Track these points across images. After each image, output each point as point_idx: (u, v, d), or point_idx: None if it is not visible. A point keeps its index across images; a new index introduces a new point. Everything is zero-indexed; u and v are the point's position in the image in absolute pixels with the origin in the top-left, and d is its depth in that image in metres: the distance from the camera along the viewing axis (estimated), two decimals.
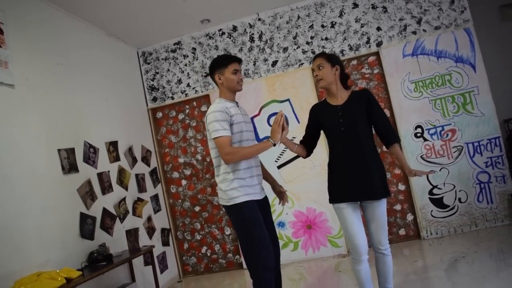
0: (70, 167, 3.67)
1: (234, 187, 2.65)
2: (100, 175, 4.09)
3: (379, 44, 4.91)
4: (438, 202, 4.71)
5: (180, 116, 5.51)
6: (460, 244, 4.28)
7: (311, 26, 5.08)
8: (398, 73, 4.82)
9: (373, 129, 2.74)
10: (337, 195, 2.68)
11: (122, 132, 4.72)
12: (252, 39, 5.25)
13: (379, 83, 4.94)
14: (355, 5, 4.96)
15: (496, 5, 5.30)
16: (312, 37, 5.08)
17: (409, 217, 4.84)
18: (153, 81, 5.56)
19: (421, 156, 4.74)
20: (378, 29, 4.91)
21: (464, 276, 3.42)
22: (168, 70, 5.50)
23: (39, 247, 3.12)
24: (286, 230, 5.07)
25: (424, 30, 4.79)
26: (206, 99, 5.41)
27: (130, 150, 4.78)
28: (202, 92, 5.39)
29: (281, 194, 3.02)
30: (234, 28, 5.30)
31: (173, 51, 5.49)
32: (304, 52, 5.09)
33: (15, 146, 3.12)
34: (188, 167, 5.46)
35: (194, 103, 5.47)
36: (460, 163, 4.66)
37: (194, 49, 5.43)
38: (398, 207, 4.86)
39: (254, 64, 5.23)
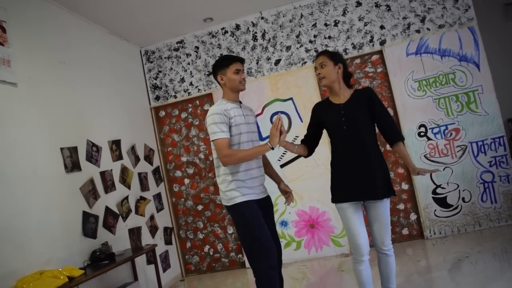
0: (72, 165, 3.67)
1: (232, 188, 2.69)
2: (103, 174, 4.09)
3: (382, 43, 4.88)
4: (441, 202, 4.69)
5: (183, 115, 5.50)
6: (464, 244, 4.26)
7: (314, 25, 5.07)
8: (401, 72, 4.80)
9: (376, 128, 2.72)
10: (339, 194, 2.67)
11: (125, 130, 4.72)
12: (255, 38, 5.24)
13: (382, 82, 4.92)
14: (359, 4, 4.94)
15: (500, 4, 5.27)
16: (315, 36, 5.06)
17: (413, 216, 4.82)
18: (156, 79, 5.56)
19: (424, 156, 4.72)
20: (382, 27, 4.89)
21: (467, 276, 3.40)
22: (171, 68, 5.50)
23: (42, 246, 3.13)
24: (289, 229, 5.06)
25: (428, 29, 4.77)
26: (209, 98, 5.40)
27: (133, 148, 4.79)
28: (205, 90, 5.39)
29: (286, 194, 3.01)
30: (237, 27, 5.29)
31: (176, 49, 5.49)
32: (307, 50, 5.08)
33: (18, 144, 3.12)
34: (191, 165, 5.45)
35: (197, 101, 5.46)
36: (464, 162, 4.64)
37: (197, 47, 5.42)
38: (401, 206, 4.84)
39: (257, 63, 5.22)
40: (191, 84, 5.43)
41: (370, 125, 2.65)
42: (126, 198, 4.41)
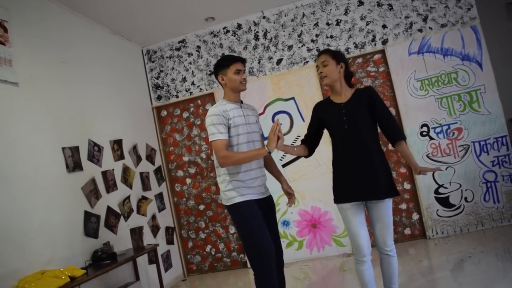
0: (74, 165, 3.67)
1: (231, 188, 2.72)
2: (104, 174, 4.09)
3: (384, 42, 4.87)
4: (444, 201, 4.67)
5: (185, 115, 5.50)
6: (466, 244, 4.25)
7: (316, 24, 5.05)
8: (403, 71, 4.79)
9: (378, 127, 2.71)
10: (341, 194, 2.65)
11: (127, 130, 4.72)
12: (256, 37, 5.23)
13: (384, 81, 4.91)
14: (361, 3, 4.93)
15: (503, 3, 5.25)
16: (317, 35, 5.05)
17: (415, 216, 4.81)
18: (157, 79, 5.55)
19: (427, 155, 4.70)
20: (384, 26, 4.87)
21: (470, 276, 3.38)
22: (173, 68, 5.50)
23: (43, 246, 3.13)
24: (290, 229, 5.05)
25: (430, 28, 4.75)
26: (210, 97, 5.40)
27: (134, 148, 4.78)
28: (206, 90, 5.38)
29: (288, 195, 3.01)
30: (239, 26, 5.28)
31: (178, 49, 5.48)
32: (309, 50, 5.07)
33: (19, 144, 3.12)
34: (193, 165, 5.45)
35: (199, 101, 5.46)
36: (467, 162, 4.62)
37: (199, 47, 5.42)
38: (403, 206, 4.83)
39: (259, 62, 5.21)
40: (192, 83, 5.43)
41: (372, 125, 2.64)
42: (128, 197, 4.41)
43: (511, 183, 4.53)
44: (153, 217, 4.90)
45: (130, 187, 4.53)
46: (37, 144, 3.30)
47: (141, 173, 4.81)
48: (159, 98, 5.54)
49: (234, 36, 5.29)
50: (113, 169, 4.26)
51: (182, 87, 5.47)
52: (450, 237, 4.58)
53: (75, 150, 3.73)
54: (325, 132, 2.85)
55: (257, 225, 2.66)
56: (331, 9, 5.01)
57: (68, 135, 3.70)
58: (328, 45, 5.00)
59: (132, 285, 3.96)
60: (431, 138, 4.71)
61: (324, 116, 2.75)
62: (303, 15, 5.08)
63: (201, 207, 5.40)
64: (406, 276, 3.62)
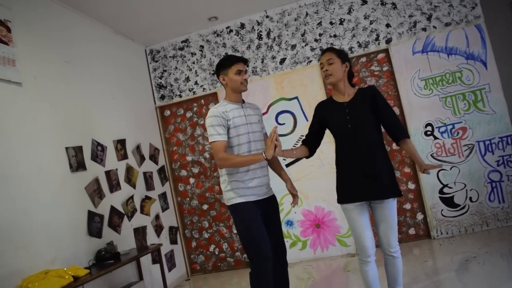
0: (78, 165, 3.68)
1: (230, 189, 2.74)
2: (108, 173, 4.09)
3: (388, 41, 4.85)
4: (448, 201, 4.65)
5: (188, 114, 5.50)
6: (471, 244, 4.22)
7: (320, 23, 5.04)
8: (407, 71, 4.76)
9: (382, 127, 2.69)
10: (344, 195, 2.64)
11: (130, 130, 4.72)
12: (260, 37, 5.22)
13: (388, 81, 4.89)
14: (364, 2, 4.91)
15: (507, 1, 5.21)
16: (320, 34, 5.03)
17: (419, 216, 4.79)
18: (161, 79, 5.55)
19: (431, 155, 4.68)
20: (388, 26, 4.85)
21: (475, 276, 3.36)
22: (176, 68, 5.49)
23: (47, 245, 3.13)
24: (294, 229, 5.04)
25: (434, 27, 4.73)
26: (214, 97, 5.39)
27: (138, 148, 4.78)
28: (210, 90, 5.38)
29: (292, 195, 2.99)
30: (242, 26, 5.27)
31: (181, 49, 5.48)
32: (312, 49, 5.05)
33: (23, 144, 3.13)
34: (196, 165, 5.45)
35: (202, 101, 5.45)
36: (471, 161, 4.60)
37: (202, 46, 5.41)
38: (408, 206, 4.81)
39: (262, 62, 5.20)
40: (196, 83, 5.43)
41: (375, 124, 2.62)
42: (131, 197, 4.41)
43: None
44: (157, 217, 4.90)
45: (134, 186, 4.53)
46: (40, 144, 3.30)
47: (144, 173, 4.81)
48: (162, 97, 5.54)
49: (238, 35, 5.28)
50: (116, 169, 4.26)
51: (185, 87, 5.46)
52: (454, 237, 4.56)
53: (78, 149, 3.73)
54: (329, 132, 2.83)
55: (255, 227, 2.67)
56: (334, 8, 4.99)
57: (72, 135, 3.70)
58: (332, 44, 4.98)
59: (136, 284, 3.96)
60: (436, 138, 4.69)
61: (327, 116, 2.73)
62: (307, 14, 5.07)
63: (205, 206, 5.40)
64: (410, 277, 3.60)
